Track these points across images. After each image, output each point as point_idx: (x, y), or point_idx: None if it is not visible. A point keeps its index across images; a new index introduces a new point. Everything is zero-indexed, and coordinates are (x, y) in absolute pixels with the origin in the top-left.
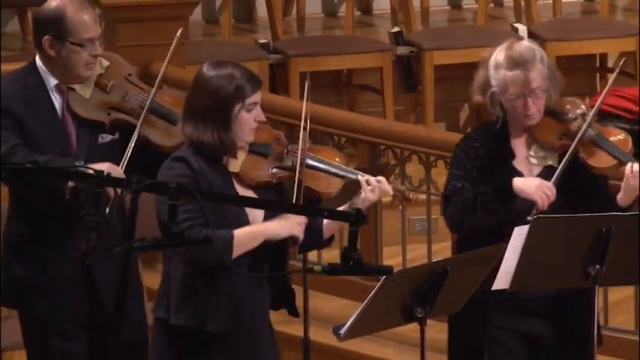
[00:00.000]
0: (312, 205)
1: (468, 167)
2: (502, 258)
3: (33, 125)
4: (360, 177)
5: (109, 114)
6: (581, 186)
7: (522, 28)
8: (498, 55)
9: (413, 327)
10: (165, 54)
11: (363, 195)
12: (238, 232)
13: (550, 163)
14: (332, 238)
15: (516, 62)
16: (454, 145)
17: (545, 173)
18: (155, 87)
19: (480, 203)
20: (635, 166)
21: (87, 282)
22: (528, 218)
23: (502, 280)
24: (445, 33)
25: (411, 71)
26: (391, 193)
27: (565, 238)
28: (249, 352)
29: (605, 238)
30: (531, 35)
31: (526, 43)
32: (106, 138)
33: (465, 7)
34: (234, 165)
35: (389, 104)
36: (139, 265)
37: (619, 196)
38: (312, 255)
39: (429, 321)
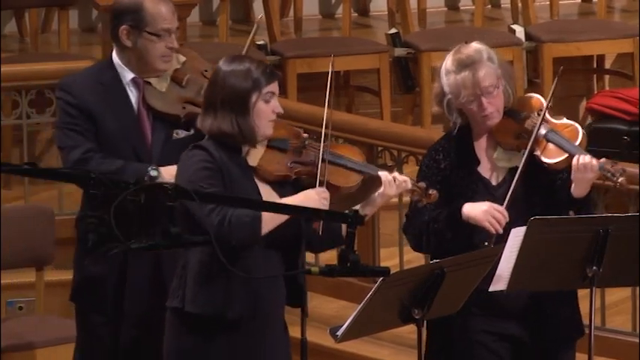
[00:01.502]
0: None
1: (428, 182)
2: (499, 259)
3: (108, 121)
4: (380, 173)
5: (184, 107)
6: (541, 185)
7: (519, 30)
8: (447, 61)
9: (410, 328)
10: None
11: (382, 190)
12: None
13: (515, 164)
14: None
15: (464, 64)
16: None
17: (510, 176)
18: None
19: (432, 230)
20: (582, 157)
21: (157, 280)
22: (485, 243)
23: (500, 281)
24: (442, 34)
25: (408, 72)
26: (409, 187)
27: (562, 240)
28: (262, 340)
29: (602, 240)
30: (529, 37)
31: (474, 45)
32: (181, 134)
33: (462, 8)
34: (253, 159)
35: (386, 105)
36: None
37: (572, 187)
38: (310, 256)
39: (426, 322)
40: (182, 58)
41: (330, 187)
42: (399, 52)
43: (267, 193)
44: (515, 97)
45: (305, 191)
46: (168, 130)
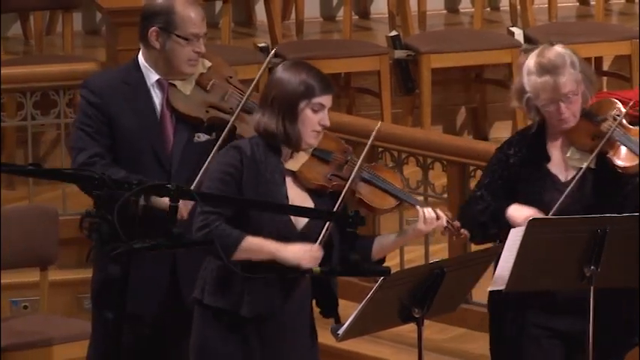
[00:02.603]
0: (312, 209)
1: (494, 176)
2: (499, 259)
3: (129, 120)
4: (418, 207)
5: (207, 111)
6: (611, 189)
7: (518, 32)
8: (530, 61)
9: (410, 327)
10: None
11: (416, 225)
12: (250, 239)
13: (586, 164)
14: (382, 260)
15: (545, 68)
16: (451, 147)
17: (582, 175)
18: (251, 88)
19: (478, 224)
20: None
21: (171, 281)
22: None
23: (499, 281)
24: (442, 36)
25: (408, 74)
26: (444, 225)
27: (561, 239)
28: (281, 343)
29: (600, 240)
30: (527, 39)
31: (557, 49)
32: (202, 137)
33: (461, 11)
34: (294, 163)
35: (386, 107)
36: None
37: None
38: None
39: (426, 321)
40: (208, 63)
41: (364, 206)
42: (399, 54)
43: (302, 199)
44: (592, 100)
45: (300, 245)
46: (190, 133)
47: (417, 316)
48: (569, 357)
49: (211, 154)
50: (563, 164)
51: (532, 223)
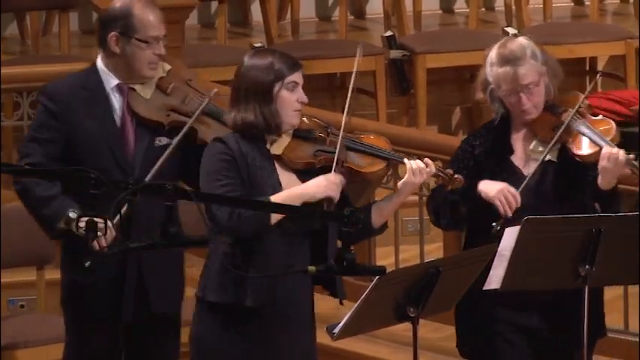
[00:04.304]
0: (308, 208)
1: (460, 165)
2: (493, 258)
3: (90, 126)
4: (406, 160)
5: (168, 115)
6: (573, 181)
7: (513, 32)
8: (492, 52)
9: (406, 326)
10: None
11: (406, 178)
12: (275, 197)
13: (549, 157)
14: (384, 226)
15: (506, 59)
16: (446, 147)
17: (543, 168)
18: (213, 92)
19: (448, 201)
20: (611, 149)
21: (137, 282)
22: (493, 224)
23: (493, 280)
24: (437, 37)
25: (403, 74)
26: (433, 171)
27: (556, 239)
28: (283, 332)
29: (595, 239)
30: None
31: (519, 40)
32: (164, 141)
33: (456, 11)
34: (277, 147)
35: (382, 107)
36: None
37: (598, 179)
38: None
39: (421, 320)
40: (167, 67)
41: (355, 174)
42: (395, 54)
43: (292, 182)
44: (556, 92)
45: (316, 177)
46: (151, 137)
47: (412, 315)
48: (534, 352)
49: (164, 155)
50: (525, 157)
51: (527, 223)
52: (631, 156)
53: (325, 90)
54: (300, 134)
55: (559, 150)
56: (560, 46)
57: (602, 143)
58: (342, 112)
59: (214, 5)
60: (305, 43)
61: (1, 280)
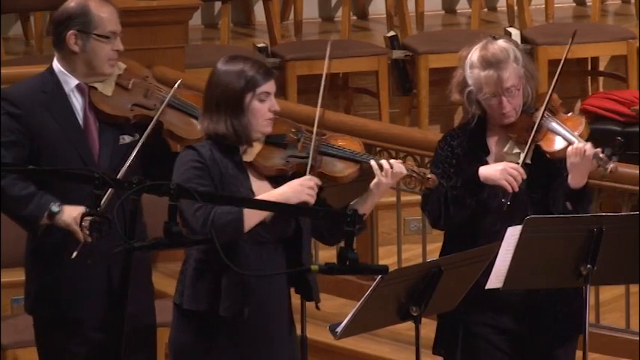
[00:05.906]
0: (311, 208)
1: (445, 166)
2: (495, 257)
3: (52, 129)
4: (372, 162)
5: (132, 110)
6: (546, 181)
7: (515, 33)
8: (473, 54)
9: (408, 325)
10: (165, 57)
11: (376, 180)
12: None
13: (521, 160)
14: (362, 227)
15: (489, 62)
16: None
17: None
18: (177, 84)
19: (451, 197)
20: (577, 144)
21: (105, 284)
22: (502, 200)
23: (495, 279)
24: (439, 37)
25: (406, 75)
26: (405, 173)
27: (557, 238)
28: (265, 339)
29: (596, 238)
30: (524, 39)
31: (500, 43)
32: (127, 139)
33: (459, 11)
34: (249, 155)
35: (384, 107)
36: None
37: (569, 177)
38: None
39: (423, 319)
40: (122, 66)
41: (327, 179)
42: (397, 54)
43: (264, 189)
44: (534, 95)
45: (289, 182)
46: (115, 135)
47: (414, 314)
48: (513, 352)
49: (134, 152)
50: (501, 158)
51: (529, 222)
52: (598, 149)
53: (328, 90)
54: (272, 140)
55: (533, 151)
56: (561, 46)
57: (572, 139)
58: (345, 112)
59: (217, 6)
60: (308, 43)
61: (4, 280)
